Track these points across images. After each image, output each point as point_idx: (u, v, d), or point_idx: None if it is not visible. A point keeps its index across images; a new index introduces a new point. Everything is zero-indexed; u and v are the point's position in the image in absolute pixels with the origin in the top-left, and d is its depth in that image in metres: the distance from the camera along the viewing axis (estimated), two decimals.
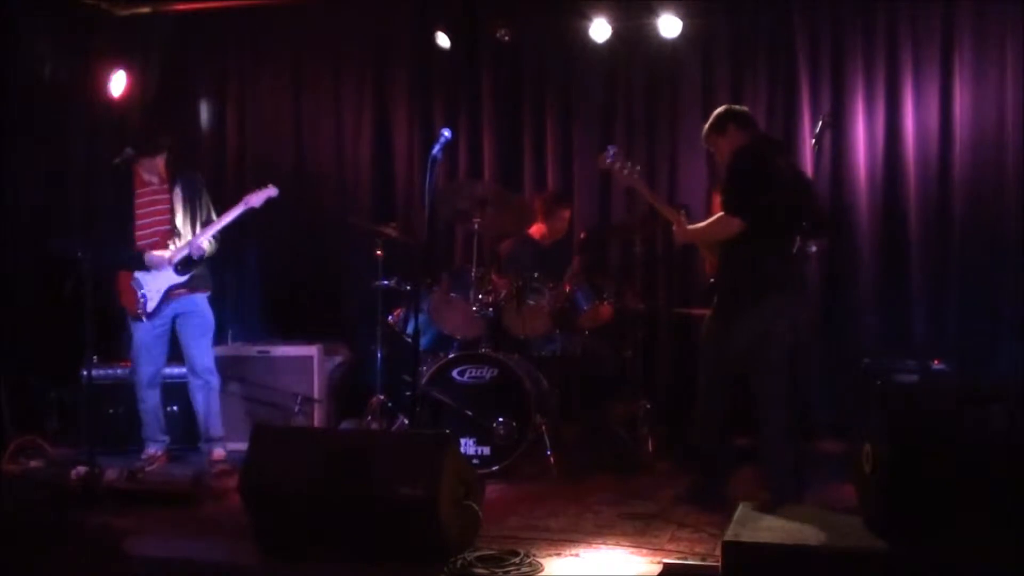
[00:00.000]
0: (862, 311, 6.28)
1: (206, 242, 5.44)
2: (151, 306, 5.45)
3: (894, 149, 6.24)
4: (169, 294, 5.46)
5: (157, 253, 5.42)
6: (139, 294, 5.45)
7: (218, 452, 5.56)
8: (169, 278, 5.45)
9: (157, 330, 5.52)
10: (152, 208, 5.52)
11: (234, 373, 6.21)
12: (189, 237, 5.45)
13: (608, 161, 4.82)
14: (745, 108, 4.87)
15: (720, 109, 4.82)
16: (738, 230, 4.51)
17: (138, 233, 5.49)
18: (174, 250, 5.43)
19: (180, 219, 5.48)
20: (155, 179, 5.52)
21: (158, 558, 3.97)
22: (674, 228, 4.79)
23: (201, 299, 5.59)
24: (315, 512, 3.81)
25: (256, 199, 5.50)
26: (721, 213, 4.58)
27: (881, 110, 6.27)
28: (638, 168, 4.89)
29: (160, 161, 5.50)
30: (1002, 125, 6.02)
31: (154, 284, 5.45)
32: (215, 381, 5.64)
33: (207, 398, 5.59)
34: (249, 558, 3.88)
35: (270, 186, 5.56)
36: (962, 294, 6.11)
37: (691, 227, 4.75)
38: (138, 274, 5.45)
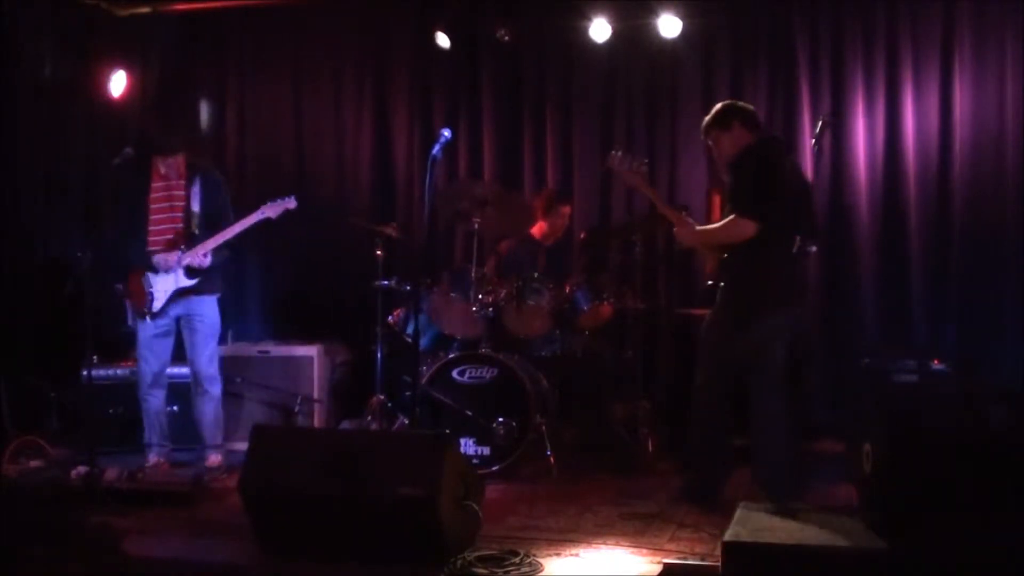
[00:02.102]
0: (862, 311, 6.29)
1: (207, 256, 5.34)
2: (156, 306, 5.39)
3: (894, 149, 6.24)
4: (176, 295, 5.40)
5: (164, 256, 5.36)
6: (147, 292, 5.38)
7: (213, 459, 5.53)
8: (178, 279, 5.39)
9: (161, 329, 5.44)
10: (167, 204, 5.43)
11: (234, 373, 6.22)
12: (205, 239, 5.36)
13: (615, 162, 4.75)
14: (751, 107, 4.75)
15: (725, 103, 4.71)
16: (752, 234, 4.35)
17: (152, 229, 5.40)
18: (182, 253, 5.36)
19: (198, 219, 5.42)
20: (172, 173, 5.43)
21: (158, 558, 3.97)
22: (676, 230, 4.68)
23: (209, 301, 5.51)
24: (315, 512, 3.81)
25: (273, 210, 5.39)
26: (732, 216, 4.41)
27: (881, 110, 6.27)
28: (646, 162, 4.81)
29: (179, 159, 5.42)
30: (1002, 125, 6.02)
31: (163, 284, 5.39)
32: (216, 390, 5.58)
33: (205, 406, 5.54)
34: (249, 558, 3.88)
35: (291, 197, 5.42)
36: (962, 294, 6.10)
37: (699, 228, 4.63)
38: (149, 272, 5.40)
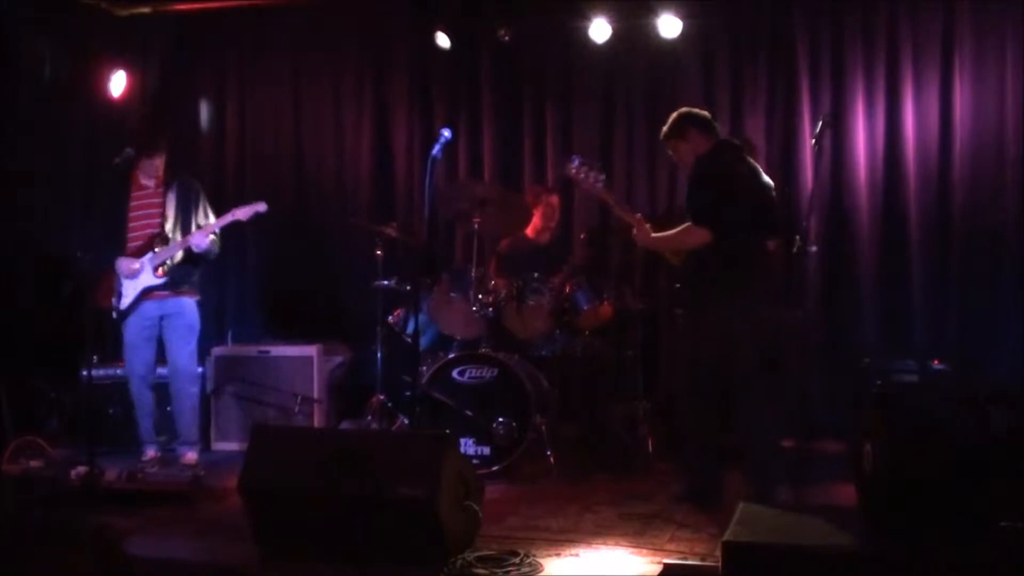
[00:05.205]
0: (862, 311, 6.28)
1: (208, 239, 5.41)
2: (124, 304, 5.45)
3: (894, 149, 6.25)
4: (147, 294, 5.44)
5: (125, 259, 5.43)
6: (116, 291, 5.46)
7: (190, 456, 5.56)
8: (148, 279, 5.43)
9: (145, 331, 5.50)
10: (144, 212, 5.52)
11: (234, 373, 6.21)
12: (177, 240, 5.43)
13: (572, 171, 4.83)
14: (706, 113, 4.81)
15: (680, 112, 4.78)
16: (706, 240, 4.49)
17: (129, 236, 5.50)
18: (152, 254, 5.41)
19: (171, 224, 5.47)
20: (151, 183, 5.53)
21: (158, 558, 3.97)
22: (634, 232, 4.77)
23: (188, 303, 5.57)
24: (315, 512, 3.81)
25: (243, 212, 5.45)
26: (688, 223, 4.56)
27: (881, 110, 6.27)
28: (602, 177, 4.86)
29: (159, 163, 5.49)
30: (1002, 125, 6.03)
31: (132, 284, 5.45)
32: (194, 388, 5.65)
33: (183, 403, 5.59)
34: (249, 558, 3.88)
35: (260, 202, 5.50)
36: (962, 294, 6.11)
37: (657, 235, 4.73)
38: (120, 274, 5.47)
